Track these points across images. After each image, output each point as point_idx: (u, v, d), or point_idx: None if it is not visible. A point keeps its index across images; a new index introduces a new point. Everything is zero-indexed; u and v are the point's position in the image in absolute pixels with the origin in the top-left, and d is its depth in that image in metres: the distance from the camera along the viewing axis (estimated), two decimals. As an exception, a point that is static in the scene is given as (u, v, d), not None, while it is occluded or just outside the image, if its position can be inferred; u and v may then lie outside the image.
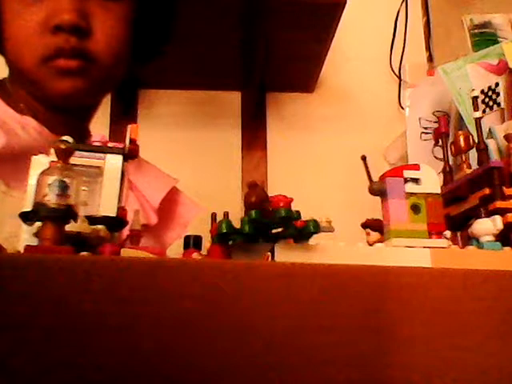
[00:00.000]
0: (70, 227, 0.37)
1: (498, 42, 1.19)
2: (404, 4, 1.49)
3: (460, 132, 0.52)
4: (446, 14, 1.40)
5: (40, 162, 0.40)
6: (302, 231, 0.42)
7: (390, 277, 0.37)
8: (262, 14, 1.17)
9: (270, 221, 0.41)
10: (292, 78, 1.39)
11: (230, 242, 0.42)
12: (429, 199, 0.46)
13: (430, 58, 1.45)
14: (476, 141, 0.52)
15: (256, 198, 0.42)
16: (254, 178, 1.37)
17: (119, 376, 0.31)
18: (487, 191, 0.47)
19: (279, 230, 0.43)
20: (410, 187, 0.46)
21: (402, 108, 1.38)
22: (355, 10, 1.25)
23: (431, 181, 0.47)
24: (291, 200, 0.42)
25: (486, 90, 0.51)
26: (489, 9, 1.28)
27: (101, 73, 0.76)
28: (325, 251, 0.43)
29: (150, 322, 0.32)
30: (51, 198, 0.36)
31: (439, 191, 0.47)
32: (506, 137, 0.49)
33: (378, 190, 0.47)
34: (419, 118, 1.03)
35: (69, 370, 0.30)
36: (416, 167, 0.47)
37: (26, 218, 0.38)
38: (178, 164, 1.00)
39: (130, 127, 0.45)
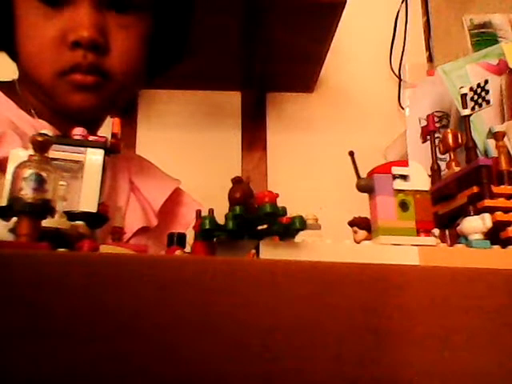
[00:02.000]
0: (48, 223, 0.37)
1: (498, 42, 1.19)
2: (404, 4, 1.49)
3: (448, 130, 0.52)
4: (446, 14, 1.39)
5: (18, 156, 0.39)
6: (287, 228, 0.42)
7: (377, 274, 0.37)
8: (262, 14, 1.17)
9: (254, 217, 0.41)
10: (292, 78, 1.39)
11: (215, 239, 0.42)
12: (417, 196, 0.46)
13: (430, 58, 1.45)
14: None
15: (240, 193, 0.41)
16: (253, 178, 1.37)
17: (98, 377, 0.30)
18: (475, 189, 0.47)
19: (264, 226, 0.42)
20: (399, 184, 0.46)
21: (402, 108, 1.37)
22: (355, 10, 1.25)
23: (420, 177, 0.46)
24: (277, 196, 0.41)
25: (474, 88, 0.50)
26: (489, 9, 1.27)
27: (115, 89, 0.76)
28: (311, 248, 0.42)
29: (130, 319, 0.31)
30: (27, 192, 0.35)
31: (428, 188, 0.46)
32: (496, 135, 0.49)
33: (366, 186, 0.46)
34: (419, 118, 1.02)
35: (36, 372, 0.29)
36: (405, 163, 0.46)
37: (2, 213, 0.37)
38: (178, 164, 1.00)
39: (112, 121, 0.45)
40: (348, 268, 0.37)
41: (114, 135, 0.45)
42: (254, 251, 0.42)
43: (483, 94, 0.51)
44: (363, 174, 0.48)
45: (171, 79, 1.35)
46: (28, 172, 0.36)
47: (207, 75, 1.36)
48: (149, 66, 0.82)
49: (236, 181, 0.43)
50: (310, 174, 1.38)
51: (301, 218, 0.41)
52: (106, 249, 0.37)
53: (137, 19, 0.77)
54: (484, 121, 0.83)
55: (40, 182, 0.36)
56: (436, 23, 1.44)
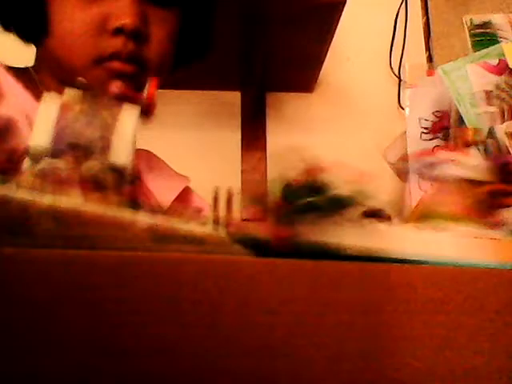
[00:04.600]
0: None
1: (498, 42, 1.19)
2: (404, 4, 1.49)
3: (468, 127, 0.51)
4: (446, 14, 1.40)
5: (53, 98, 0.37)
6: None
7: (378, 274, 0.37)
8: (262, 14, 1.17)
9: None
10: (292, 78, 1.39)
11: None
12: (463, 183, 0.45)
13: (430, 58, 1.45)
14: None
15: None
16: (253, 179, 1.37)
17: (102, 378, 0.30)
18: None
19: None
20: (446, 169, 0.45)
21: (402, 108, 1.37)
22: (355, 10, 1.25)
23: (467, 165, 0.46)
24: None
25: (502, 86, 0.50)
26: (489, 9, 1.28)
27: (147, 80, 0.75)
28: (374, 231, 0.41)
29: (129, 319, 0.31)
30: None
31: (475, 176, 0.46)
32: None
33: (417, 170, 0.45)
34: (419, 118, 1.02)
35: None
36: (463, 151, 0.46)
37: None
38: (177, 164, 0.99)
39: (149, 80, 0.42)
40: (349, 268, 0.36)
41: (149, 96, 0.43)
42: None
43: None
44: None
45: (171, 79, 1.35)
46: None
47: (207, 75, 1.36)
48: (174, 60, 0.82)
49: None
50: (309, 174, 1.37)
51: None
52: None
53: (171, 14, 0.77)
54: (484, 121, 0.84)
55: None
56: (436, 23, 1.44)
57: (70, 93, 0.38)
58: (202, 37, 0.87)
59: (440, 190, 0.45)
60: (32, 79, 0.79)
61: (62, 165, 0.35)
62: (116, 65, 0.72)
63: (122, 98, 0.72)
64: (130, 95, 0.40)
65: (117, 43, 0.71)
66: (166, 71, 0.81)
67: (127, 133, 0.40)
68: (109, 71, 0.72)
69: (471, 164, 0.46)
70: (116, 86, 0.72)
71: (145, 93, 0.43)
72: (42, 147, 0.36)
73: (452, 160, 0.45)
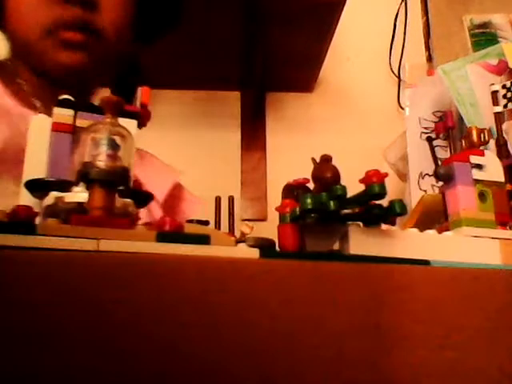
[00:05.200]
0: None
1: (498, 42, 1.19)
2: (403, 4, 1.49)
3: (473, 126, 0.50)
4: (446, 14, 1.40)
5: (43, 121, 0.36)
6: (385, 212, 0.38)
7: (379, 275, 0.37)
8: (262, 14, 1.17)
9: (358, 198, 0.37)
10: (291, 77, 1.39)
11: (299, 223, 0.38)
12: (493, 187, 0.44)
13: (430, 58, 1.45)
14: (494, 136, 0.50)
15: (331, 173, 0.39)
16: (253, 179, 1.37)
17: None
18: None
19: (356, 210, 0.38)
20: (476, 173, 0.44)
21: (402, 108, 1.37)
22: (355, 10, 1.25)
23: (495, 168, 0.45)
24: (386, 175, 0.37)
25: (508, 85, 0.50)
26: (489, 9, 1.28)
27: (103, 49, 0.74)
28: (398, 238, 0.40)
29: (129, 319, 0.31)
30: (101, 159, 0.31)
31: (503, 179, 0.45)
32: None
33: (445, 174, 0.44)
34: (419, 118, 1.02)
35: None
36: (480, 153, 0.45)
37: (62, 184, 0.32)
38: (177, 164, 0.99)
39: (140, 90, 0.40)
40: (349, 268, 0.36)
41: (143, 106, 0.41)
42: None
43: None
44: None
45: (171, 79, 1.35)
46: (101, 136, 0.32)
47: (207, 75, 1.36)
48: (138, 30, 0.80)
49: (324, 159, 0.40)
50: (309, 175, 1.37)
51: (400, 201, 0.37)
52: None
53: None
54: (483, 121, 0.84)
55: (114, 148, 0.32)
56: (436, 23, 1.44)
57: (60, 112, 0.37)
58: (167, 6, 0.84)
59: (473, 195, 0.44)
60: (8, 71, 0.78)
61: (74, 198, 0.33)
62: (66, 34, 0.70)
63: (72, 69, 0.71)
64: (122, 104, 0.38)
65: (65, 12, 0.70)
66: (125, 41, 0.78)
67: (127, 150, 0.38)
68: (60, 40, 0.71)
69: (494, 167, 0.45)
70: (66, 56, 0.71)
71: (137, 103, 0.42)
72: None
73: (477, 164, 0.45)
